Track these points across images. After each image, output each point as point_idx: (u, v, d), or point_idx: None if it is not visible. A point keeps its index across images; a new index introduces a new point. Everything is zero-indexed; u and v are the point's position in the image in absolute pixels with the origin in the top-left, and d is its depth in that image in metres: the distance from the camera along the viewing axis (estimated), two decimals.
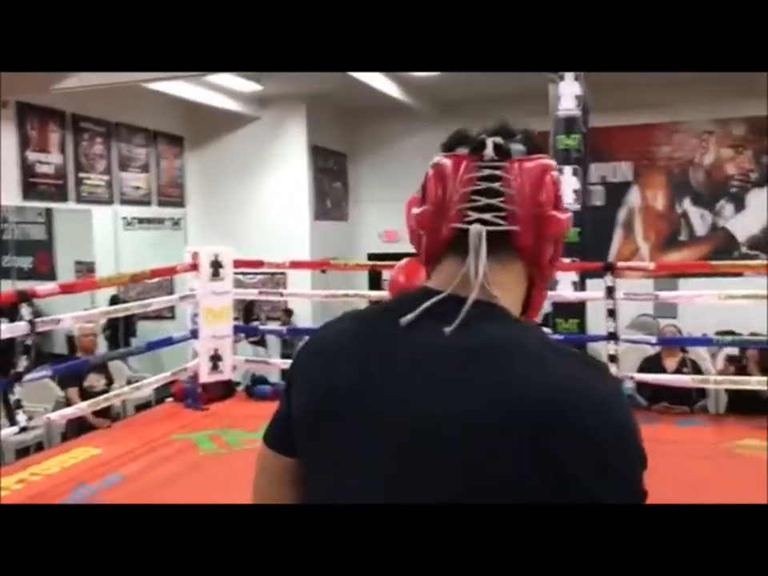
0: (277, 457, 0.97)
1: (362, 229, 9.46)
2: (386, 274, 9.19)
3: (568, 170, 5.01)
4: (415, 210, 0.96)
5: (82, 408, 4.20)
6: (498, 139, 0.90)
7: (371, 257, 9.02)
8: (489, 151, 0.89)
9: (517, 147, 0.90)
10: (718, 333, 5.71)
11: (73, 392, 4.77)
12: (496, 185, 0.87)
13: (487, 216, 0.87)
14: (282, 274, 8.08)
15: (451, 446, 0.77)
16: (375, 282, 8.98)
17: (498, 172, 0.88)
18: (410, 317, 0.84)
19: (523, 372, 0.78)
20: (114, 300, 7.06)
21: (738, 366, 4.80)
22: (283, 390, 0.99)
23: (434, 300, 0.85)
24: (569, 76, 4.97)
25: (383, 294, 8.10)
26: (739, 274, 7.22)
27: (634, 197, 8.51)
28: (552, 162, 0.91)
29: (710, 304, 4.88)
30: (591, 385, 0.81)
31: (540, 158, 0.90)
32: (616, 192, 8.53)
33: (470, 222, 0.87)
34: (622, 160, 8.53)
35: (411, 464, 0.79)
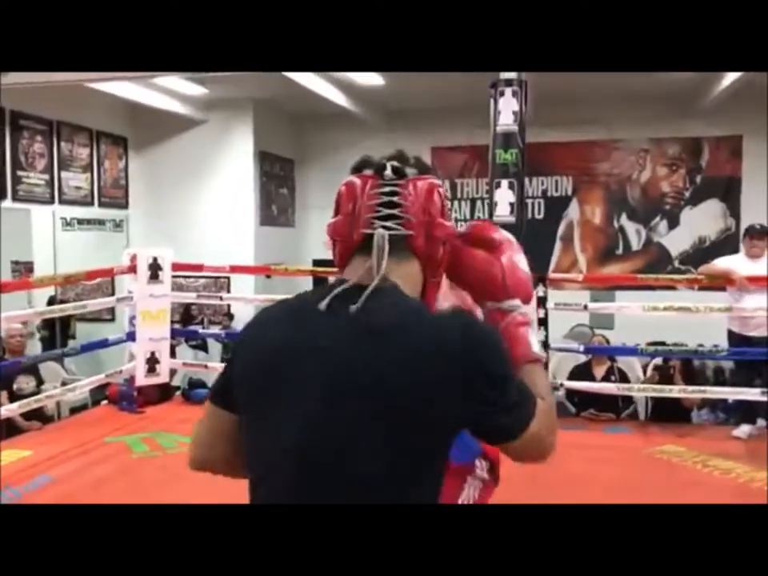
0: (220, 412, 1.15)
1: (308, 235, 9.48)
2: (331, 279, 9.25)
3: (505, 183, 5.13)
4: (330, 221, 1.20)
5: (10, 409, 4.13)
6: (396, 163, 1.14)
7: (316, 263, 9.06)
8: (388, 172, 1.13)
9: (411, 170, 1.15)
10: (650, 343, 5.93)
11: (2, 395, 4.68)
12: (395, 198, 1.11)
13: (389, 223, 1.10)
14: (226, 278, 8.05)
15: (364, 384, 1.00)
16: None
17: (396, 188, 1.12)
18: (326, 300, 1.06)
19: (405, 325, 1.03)
20: (52, 301, 6.92)
21: (664, 375, 5.00)
22: (228, 358, 1.19)
23: (343, 286, 1.08)
24: (508, 92, 5.11)
25: None
26: (673, 288, 7.52)
27: (573, 211, 8.76)
28: (438, 181, 1.17)
29: (647, 316, 5.06)
30: (451, 325, 1.05)
31: (429, 178, 1.16)
32: (556, 206, 8.77)
33: (375, 228, 1.10)
34: (562, 175, 8.78)
35: (329, 399, 1.02)
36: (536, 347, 1.18)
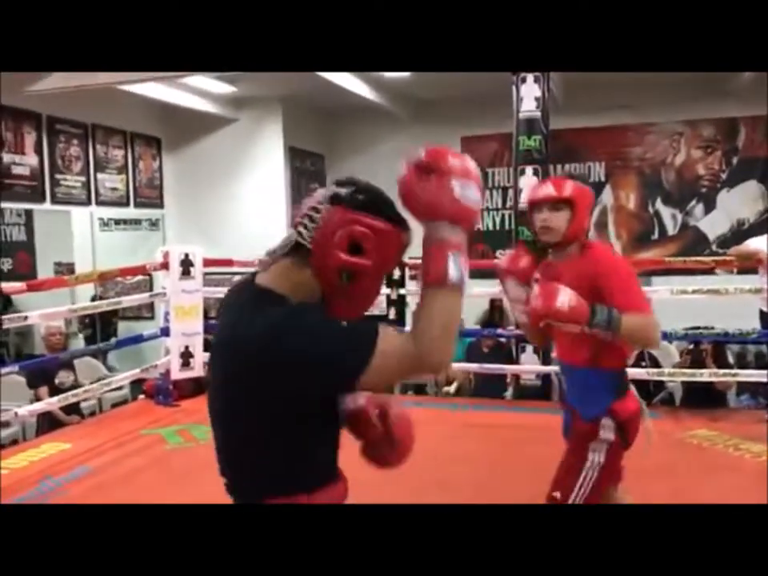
0: None
1: None
2: None
3: (529, 170, 5.13)
4: None
5: (49, 404, 4.28)
6: (337, 188, 1.30)
7: None
8: (321, 192, 1.31)
9: (348, 198, 1.29)
10: (688, 329, 5.84)
11: (42, 390, 4.85)
12: (316, 215, 1.26)
13: (303, 231, 1.27)
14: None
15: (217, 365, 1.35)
16: None
17: (320, 208, 1.27)
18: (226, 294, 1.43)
19: (245, 322, 1.24)
20: (93, 300, 7.14)
21: (695, 359, 4.93)
22: None
23: (239, 281, 1.44)
24: (530, 78, 5.09)
25: None
26: (712, 272, 7.38)
27: (607, 196, 8.65)
28: (360, 219, 1.26)
29: (685, 300, 4.99)
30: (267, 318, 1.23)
31: (355, 213, 1.27)
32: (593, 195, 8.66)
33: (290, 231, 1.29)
34: (595, 160, 8.67)
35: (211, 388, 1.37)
36: (452, 273, 1.16)
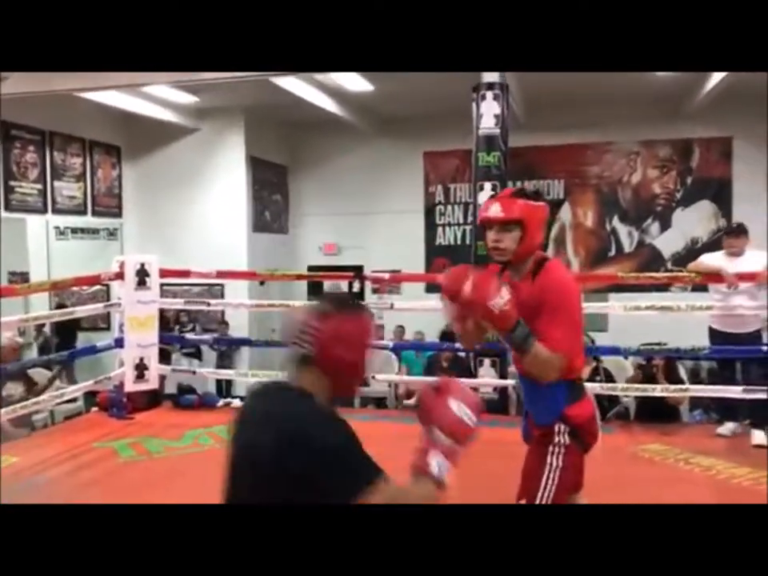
0: None
1: (303, 241, 9.55)
2: (326, 286, 9.31)
3: (488, 185, 5.19)
4: None
5: None
6: (323, 303, 1.55)
7: (311, 269, 9.11)
8: (318, 304, 1.57)
9: (332, 313, 1.52)
10: (645, 344, 5.94)
11: None
12: (309, 328, 1.52)
13: (298, 341, 1.53)
14: (220, 285, 8.11)
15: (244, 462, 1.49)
16: (315, 293, 9.07)
17: (315, 319, 1.52)
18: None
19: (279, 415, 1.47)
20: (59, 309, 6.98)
21: (647, 374, 5.02)
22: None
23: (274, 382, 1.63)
24: (489, 95, 5.16)
25: None
26: (667, 289, 7.54)
27: (565, 214, 8.80)
28: (362, 320, 1.56)
29: (641, 317, 5.07)
30: (296, 415, 1.47)
31: (347, 318, 1.53)
32: (548, 209, 8.79)
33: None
34: (554, 178, 8.82)
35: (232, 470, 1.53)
36: (434, 469, 1.47)
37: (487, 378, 5.47)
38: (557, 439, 2.13)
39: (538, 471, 2.16)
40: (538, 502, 2.15)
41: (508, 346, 2.14)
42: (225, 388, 7.34)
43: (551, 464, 2.14)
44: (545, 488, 2.14)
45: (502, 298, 1.96)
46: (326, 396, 1.55)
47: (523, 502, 2.21)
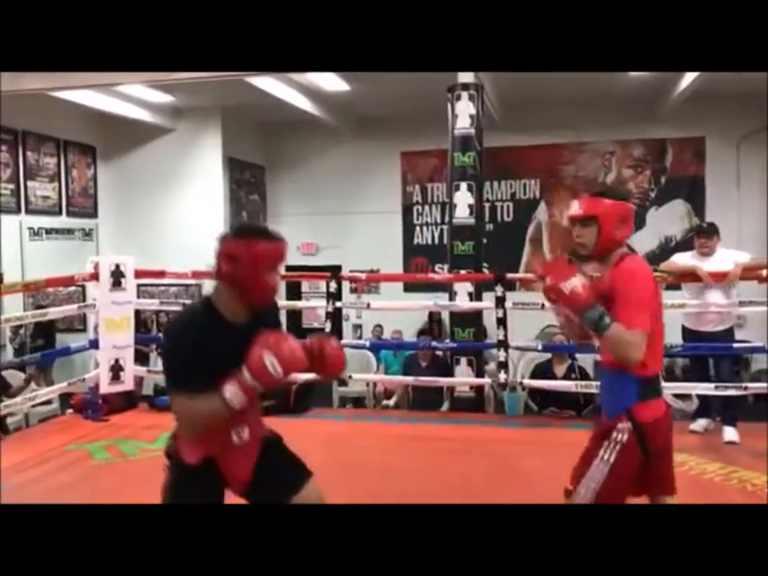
0: None
1: None
2: (305, 286, 9.29)
3: (463, 185, 5.22)
4: None
5: None
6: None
7: (289, 269, 9.07)
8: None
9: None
10: None
11: None
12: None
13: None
14: (197, 285, 8.06)
15: None
16: (293, 293, 9.05)
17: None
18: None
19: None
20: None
21: None
22: None
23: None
24: (465, 95, 5.19)
25: (299, 304, 8.18)
26: None
27: (541, 213, 8.86)
28: (237, 246, 1.90)
29: None
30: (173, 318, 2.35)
31: (228, 241, 1.93)
32: (525, 208, 8.88)
33: None
34: (530, 177, 8.88)
35: None
36: (226, 393, 1.81)
37: (464, 377, 5.50)
38: (616, 435, 2.17)
39: (590, 460, 2.20)
40: (583, 490, 2.19)
41: (593, 334, 2.20)
42: None
43: (602, 457, 2.18)
44: (591, 478, 2.18)
45: (573, 280, 2.12)
46: (232, 306, 1.93)
47: (570, 486, 2.25)
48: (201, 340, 1.86)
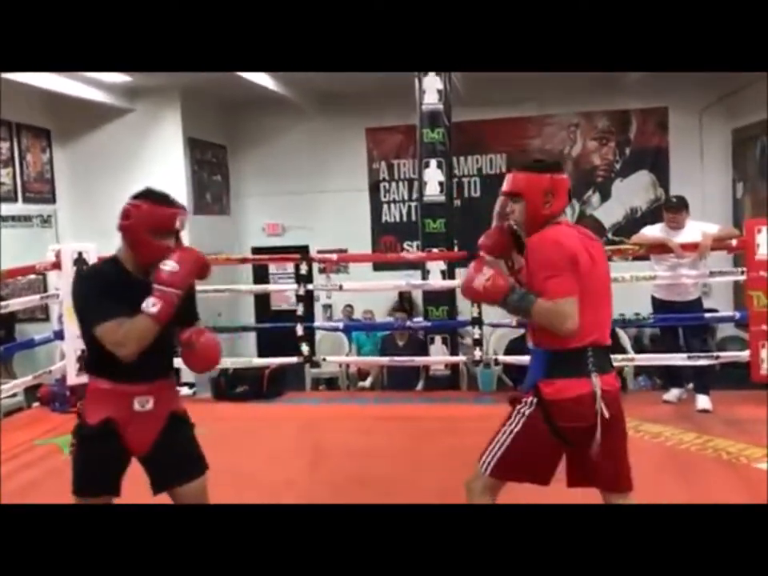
0: None
1: (245, 222, 9.37)
2: (273, 268, 9.16)
3: (433, 162, 5.16)
4: None
5: None
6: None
7: (255, 250, 8.96)
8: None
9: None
10: None
11: None
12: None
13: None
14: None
15: None
16: (260, 277, 8.93)
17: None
18: None
19: None
20: None
21: None
22: None
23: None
24: (431, 71, 5.11)
25: (269, 287, 8.07)
26: (609, 259, 7.66)
27: None
28: (132, 205, 2.09)
29: None
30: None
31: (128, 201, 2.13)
32: (492, 183, 8.83)
33: None
34: (496, 152, 8.85)
35: None
36: (145, 306, 1.98)
37: (439, 355, 5.49)
38: (520, 407, 2.11)
39: (498, 429, 2.15)
40: (484, 455, 2.14)
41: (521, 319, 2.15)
42: None
43: (509, 425, 2.12)
44: (494, 444, 2.13)
45: (483, 275, 2.10)
46: (132, 261, 2.10)
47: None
48: (107, 284, 2.05)
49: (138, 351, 2.00)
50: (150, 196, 2.10)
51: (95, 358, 2.12)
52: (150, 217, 2.05)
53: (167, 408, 2.20)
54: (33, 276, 7.18)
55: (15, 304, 4.94)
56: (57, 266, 4.80)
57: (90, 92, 7.25)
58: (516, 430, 2.10)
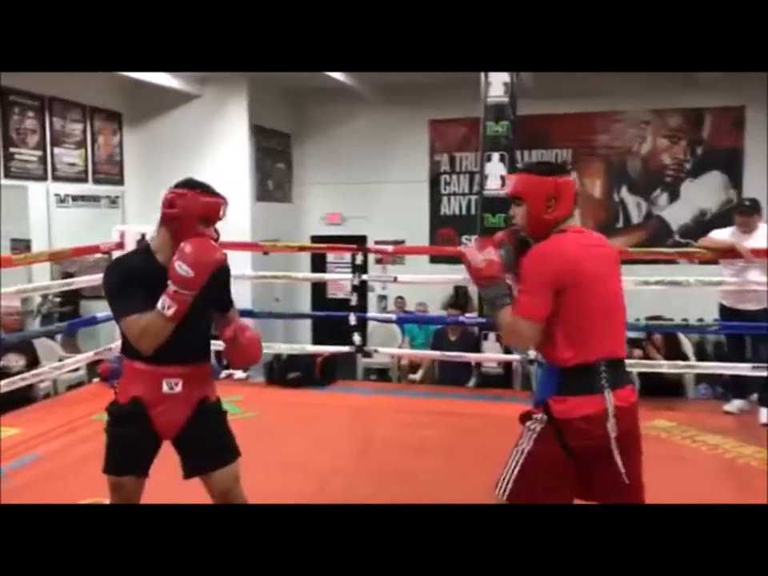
0: None
1: (306, 211, 9.44)
2: (330, 257, 9.21)
3: (496, 156, 5.07)
4: None
5: None
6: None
7: (315, 239, 9.02)
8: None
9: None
10: (649, 318, 5.87)
11: None
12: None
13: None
14: (223, 254, 8.03)
15: None
16: (318, 265, 8.99)
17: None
18: None
19: None
20: (66, 278, 6.90)
21: (642, 349, 4.95)
22: None
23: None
24: None
25: (325, 276, 8.12)
26: (674, 262, 7.42)
27: None
28: (174, 193, 2.12)
29: (646, 290, 4.99)
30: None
31: (171, 189, 2.15)
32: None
33: None
34: (562, 147, 8.67)
35: None
36: (159, 305, 2.01)
37: (492, 352, 5.42)
38: (530, 424, 2.03)
39: (513, 448, 2.08)
40: (501, 477, 2.06)
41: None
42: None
43: (520, 445, 2.04)
44: (508, 466, 2.05)
45: (484, 254, 2.06)
46: (167, 250, 2.09)
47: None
48: (135, 276, 2.07)
49: (154, 347, 2.04)
50: (193, 185, 2.13)
51: (127, 342, 2.15)
52: (198, 205, 2.08)
53: (198, 393, 2.22)
54: (99, 255, 7.40)
55: (81, 282, 5.09)
56: (121, 246, 4.92)
57: (161, 77, 7.41)
58: (527, 449, 2.02)
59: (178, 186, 2.13)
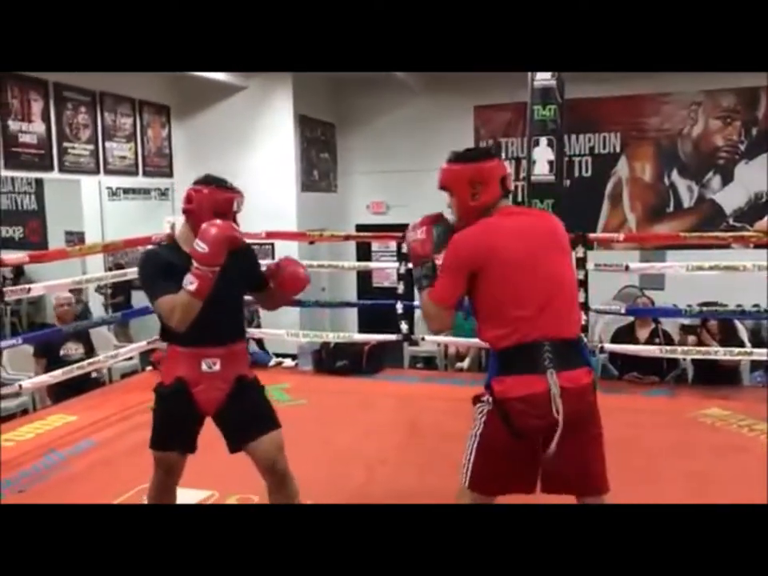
0: None
1: (351, 200, 9.46)
2: (375, 246, 9.23)
3: (543, 140, 5.01)
4: None
5: (52, 376, 4.26)
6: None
7: (359, 228, 9.04)
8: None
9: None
10: (702, 304, 5.73)
11: (41, 362, 4.82)
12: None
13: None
14: (270, 244, 8.11)
15: None
16: (363, 254, 9.02)
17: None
18: None
19: None
20: (118, 269, 7.08)
21: (696, 336, 4.84)
22: None
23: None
24: None
25: (370, 265, 8.14)
26: (728, 246, 7.23)
27: (622, 168, 8.49)
28: (194, 190, 2.32)
29: (700, 276, 4.87)
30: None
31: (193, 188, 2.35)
32: (604, 163, 8.51)
33: None
34: (610, 131, 8.49)
35: None
36: (185, 282, 2.14)
37: None
38: (478, 407, 2.04)
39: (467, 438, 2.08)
40: (462, 462, 2.07)
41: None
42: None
43: (472, 429, 2.05)
44: (464, 457, 2.06)
45: (419, 232, 2.15)
46: (191, 242, 2.19)
47: None
48: (165, 264, 2.23)
49: (185, 322, 2.18)
50: (209, 181, 2.30)
51: (165, 328, 2.29)
52: (210, 200, 2.25)
53: (234, 371, 2.36)
54: (151, 246, 7.56)
55: (133, 272, 5.19)
56: (171, 237, 5.00)
57: None
58: (479, 432, 2.01)
59: (196, 182, 2.31)
